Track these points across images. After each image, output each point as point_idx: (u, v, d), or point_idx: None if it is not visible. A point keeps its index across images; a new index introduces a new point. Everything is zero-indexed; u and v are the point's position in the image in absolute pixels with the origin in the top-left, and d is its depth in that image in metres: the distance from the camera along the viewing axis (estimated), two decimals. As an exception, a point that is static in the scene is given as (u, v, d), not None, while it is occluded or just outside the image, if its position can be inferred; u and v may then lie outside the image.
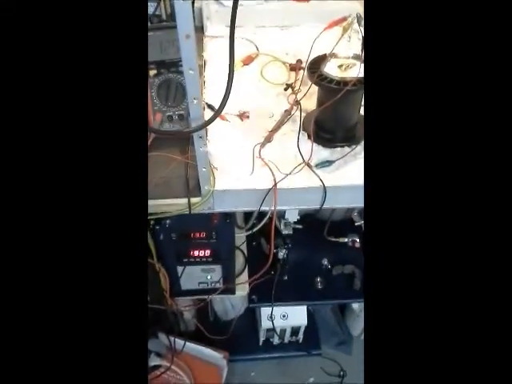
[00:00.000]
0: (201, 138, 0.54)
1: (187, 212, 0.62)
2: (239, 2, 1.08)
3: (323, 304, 1.21)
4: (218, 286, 0.88)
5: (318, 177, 0.63)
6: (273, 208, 0.63)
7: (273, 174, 0.63)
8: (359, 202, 0.69)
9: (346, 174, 0.66)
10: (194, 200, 0.62)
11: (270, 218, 0.70)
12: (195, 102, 0.49)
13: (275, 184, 0.62)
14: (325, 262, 1.02)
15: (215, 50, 0.93)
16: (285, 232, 1.01)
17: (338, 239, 1.03)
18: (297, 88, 0.77)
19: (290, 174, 0.63)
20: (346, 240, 1.02)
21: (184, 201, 0.62)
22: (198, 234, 0.75)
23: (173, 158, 0.64)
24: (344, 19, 0.63)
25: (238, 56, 0.91)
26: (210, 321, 1.15)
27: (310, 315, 1.19)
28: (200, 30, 1.00)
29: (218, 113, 0.50)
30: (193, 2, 1.03)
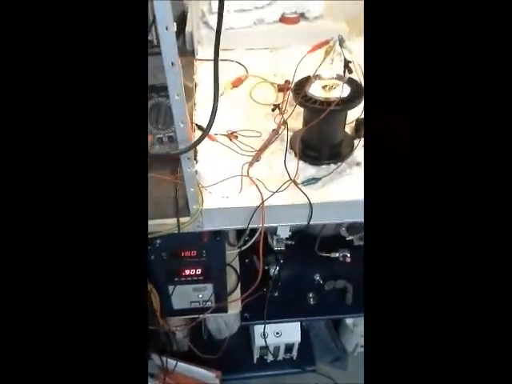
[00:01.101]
0: (189, 159, 0.55)
1: (176, 231, 0.63)
2: (230, 26, 1.11)
3: (316, 320, 1.21)
4: (210, 304, 0.88)
5: (304, 194, 0.65)
6: (261, 225, 0.65)
7: (260, 192, 0.64)
8: (345, 218, 0.70)
9: (331, 191, 0.67)
10: (183, 219, 0.63)
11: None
12: (182, 125, 0.51)
13: (262, 202, 0.63)
14: (317, 277, 1.03)
15: (206, 73, 0.96)
16: (277, 248, 1.02)
17: (329, 254, 1.04)
18: (284, 108, 0.79)
19: (277, 191, 0.65)
20: (337, 255, 1.03)
21: (173, 220, 0.63)
22: (188, 253, 0.76)
23: (163, 178, 0.66)
24: (326, 42, 0.66)
25: (228, 78, 0.94)
26: (203, 340, 1.14)
27: (305, 332, 1.19)
28: (191, 53, 1.03)
29: (203, 135, 0.52)
30: (184, 27, 1.06)
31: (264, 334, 1.04)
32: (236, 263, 1.03)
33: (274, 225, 0.70)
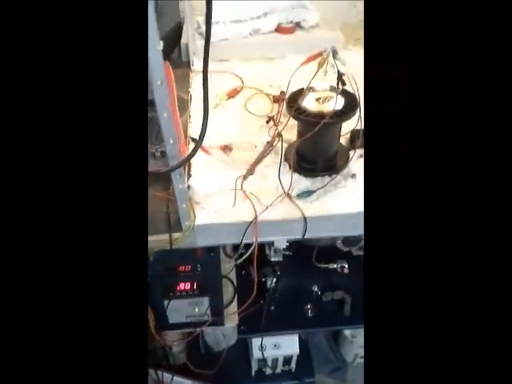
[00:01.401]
0: (180, 176, 0.55)
1: (168, 248, 0.63)
2: (225, 36, 1.11)
3: (314, 332, 1.20)
4: (206, 318, 0.87)
5: (299, 207, 0.64)
6: (255, 241, 0.64)
7: (253, 207, 0.63)
8: (341, 232, 0.70)
9: (326, 204, 0.67)
10: (175, 235, 0.62)
11: (258, 247, 0.70)
12: (171, 142, 0.50)
13: (256, 217, 0.62)
14: (315, 288, 1.02)
15: (201, 85, 0.95)
16: (274, 259, 1.01)
17: (327, 265, 1.03)
18: (278, 120, 0.79)
19: (271, 206, 0.64)
20: (334, 266, 1.02)
21: (166, 236, 0.62)
22: (183, 268, 0.75)
23: (155, 194, 0.65)
24: (320, 54, 0.65)
25: (224, 89, 0.93)
26: (200, 352, 1.13)
27: (303, 343, 1.17)
28: (187, 65, 1.03)
29: (193, 152, 0.52)
30: (179, 38, 1.06)
31: (261, 347, 1.03)
32: (233, 275, 1.02)
33: (269, 239, 0.69)
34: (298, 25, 1.06)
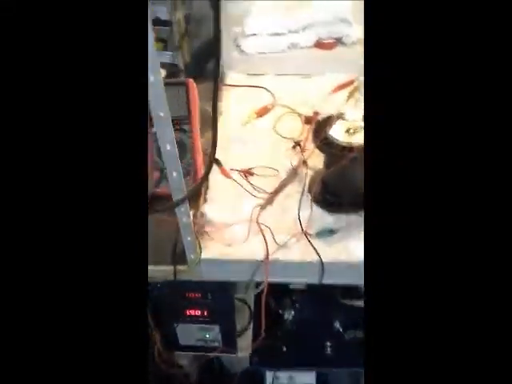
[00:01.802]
0: (184, 209, 0.51)
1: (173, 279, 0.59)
2: (261, 50, 1.06)
3: (332, 371, 1.12)
4: (217, 345, 0.83)
5: (316, 250, 0.58)
6: (265, 281, 0.59)
7: (266, 245, 0.58)
8: (362, 280, 0.62)
9: (348, 248, 0.60)
10: (180, 267, 0.58)
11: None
12: (175, 174, 0.47)
13: (267, 257, 0.57)
14: (336, 324, 0.95)
15: (233, 100, 0.91)
16: (295, 286, 0.95)
17: (351, 302, 0.95)
18: (305, 146, 0.73)
19: (285, 245, 0.58)
20: (360, 303, 0.94)
21: (170, 268, 0.59)
22: (192, 294, 0.72)
23: (162, 219, 0.61)
24: (351, 82, 0.59)
25: (254, 106, 0.89)
26: (212, 378, 1.09)
27: (322, 376, 1.10)
28: (220, 78, 0.99)
29: (196, 189, 0.48)
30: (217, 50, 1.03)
31: (274, 379, 0.97)
32: (251, 298, 0.97)
33: (280, 280, 0.63)
34: (339, 40, 0.98)
